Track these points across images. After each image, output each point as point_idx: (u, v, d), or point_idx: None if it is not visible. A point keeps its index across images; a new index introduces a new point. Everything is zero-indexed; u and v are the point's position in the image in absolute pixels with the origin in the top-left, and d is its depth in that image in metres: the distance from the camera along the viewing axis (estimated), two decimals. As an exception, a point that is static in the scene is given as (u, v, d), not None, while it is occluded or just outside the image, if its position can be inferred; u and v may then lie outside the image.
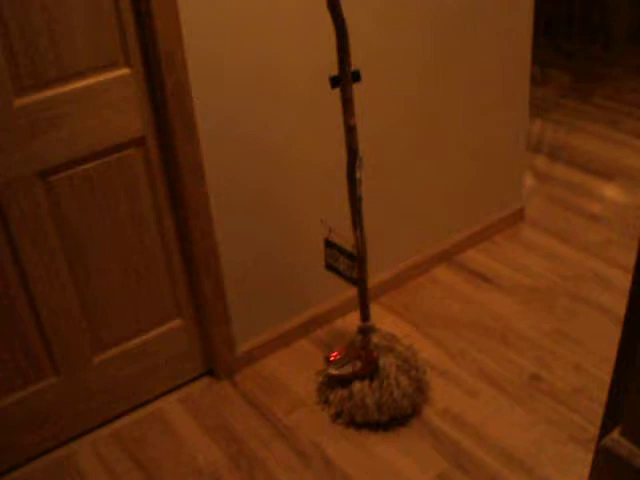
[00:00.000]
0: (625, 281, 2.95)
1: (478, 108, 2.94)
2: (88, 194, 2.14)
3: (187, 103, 2.14)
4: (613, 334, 2.67)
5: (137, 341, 2.44)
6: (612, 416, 1.51)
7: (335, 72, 2.22)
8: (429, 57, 2.67)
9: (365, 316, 2.38)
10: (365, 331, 2.38)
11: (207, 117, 2.22)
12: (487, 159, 3.10)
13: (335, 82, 2.03)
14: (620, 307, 2.81)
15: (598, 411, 2.35)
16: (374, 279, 2.89)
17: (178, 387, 2.61)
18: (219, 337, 2.55)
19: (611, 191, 3.61)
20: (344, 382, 2.41)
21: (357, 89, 2.32)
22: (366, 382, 2.36)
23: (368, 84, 2.49)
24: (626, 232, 3.26)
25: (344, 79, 2.02)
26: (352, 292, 2.83)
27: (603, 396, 2.42)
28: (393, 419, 2.40)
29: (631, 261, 3.06)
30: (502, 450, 2.27)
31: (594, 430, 2.30)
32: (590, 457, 2.20)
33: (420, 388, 2.43)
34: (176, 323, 2.50)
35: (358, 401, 2.36)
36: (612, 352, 2.58)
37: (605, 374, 2.51)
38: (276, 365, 2.68)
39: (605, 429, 1.53)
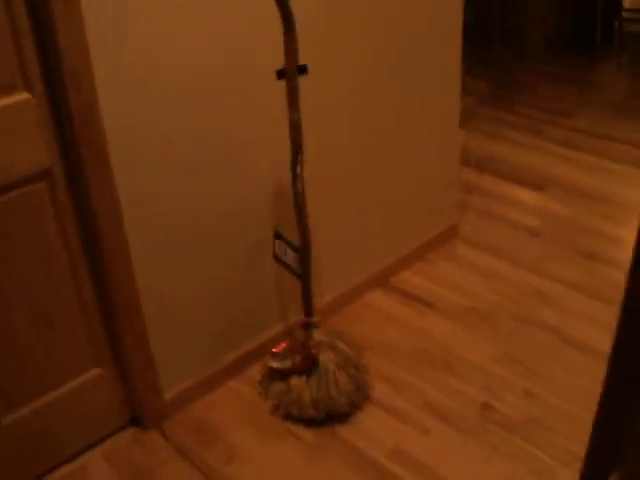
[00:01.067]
0: (567, 297, 2.85)
1: (410, 123, 2.81)
2: (-12, 236, 1.88)
3: (97, 128, 1.91)
4: (562, 355, 2.56)
5: (53, 395, 2.18)
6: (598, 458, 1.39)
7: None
8: (364, 72, 2.52)
9: (308, 311, 2.36)
10: (307, 326, 2.37)
11: (120, 140, 1.99)
12: (420, 174, 2.96)
13: (280, 74, 2.01)
14: (566, 325, 2.70)
15: (553, 440, 2.22)
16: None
17: (102, 440, 2.36)
18: (143, 384, 2.31)
19: (543, 202, 3.53)
20: (284, 376, 2.38)
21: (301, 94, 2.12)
22: (304, 377, 2.34)
23: (312, 86, 2.29)
24: (564, 246, 3.17)
25: (289, 72, 1.98)
26: (282, 326, 2.64)
27: (557, 424, 2.29)
28: (330, 417, 2.34)
29: (571, 276, 2.96)
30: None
31: (550, 461, 2.16)
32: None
33: (360, 387, 2.40)
34: (95, 373, 2.25)
35: (295, 396, 2.34)
36: (563, 375, 2.46)
37: (557, 399, 2.38)
38: (207, 410, 2.45)
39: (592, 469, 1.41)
